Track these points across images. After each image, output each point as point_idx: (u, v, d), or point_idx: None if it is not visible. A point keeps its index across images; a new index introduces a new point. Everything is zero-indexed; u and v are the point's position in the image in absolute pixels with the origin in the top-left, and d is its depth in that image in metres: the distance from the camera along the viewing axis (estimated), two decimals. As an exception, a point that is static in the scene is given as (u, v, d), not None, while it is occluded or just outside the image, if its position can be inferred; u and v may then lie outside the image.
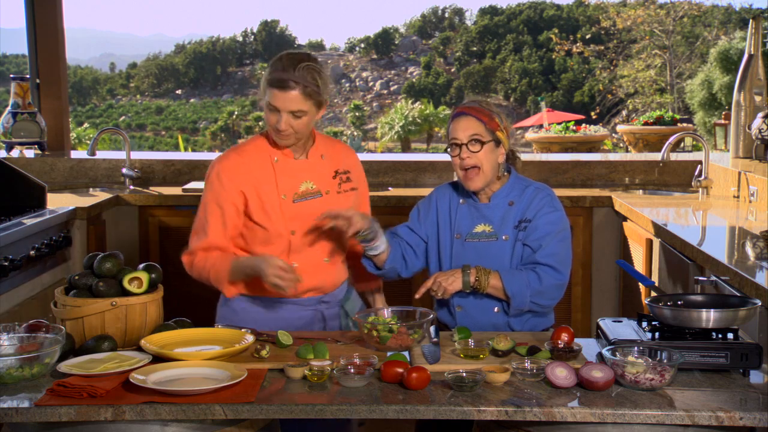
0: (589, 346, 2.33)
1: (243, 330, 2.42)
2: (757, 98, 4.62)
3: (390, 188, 5.03)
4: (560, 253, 2.68)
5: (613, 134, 22.19)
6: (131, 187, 5.06)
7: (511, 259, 2.70)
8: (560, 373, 2.04)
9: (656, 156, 5.32)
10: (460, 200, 2.81)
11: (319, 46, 66.09)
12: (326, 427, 2.64)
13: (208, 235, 2.68)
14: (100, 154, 5.47)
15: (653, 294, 2.48)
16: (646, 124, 13.26)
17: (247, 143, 2.77)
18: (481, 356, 2.24)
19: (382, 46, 59.86)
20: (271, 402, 1.96)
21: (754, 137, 4.35)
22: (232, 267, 2.64)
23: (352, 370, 2.07)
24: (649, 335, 2.28)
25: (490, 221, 2.74)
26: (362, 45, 61.61)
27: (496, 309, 2.69)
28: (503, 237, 2.71)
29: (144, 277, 2.40)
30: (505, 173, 2.79)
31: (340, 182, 2.79)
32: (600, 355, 2.21)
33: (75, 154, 5.54)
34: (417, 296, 2.61)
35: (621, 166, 5.21)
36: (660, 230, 3.64)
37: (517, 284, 2.62)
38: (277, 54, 2.70)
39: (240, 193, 2.68)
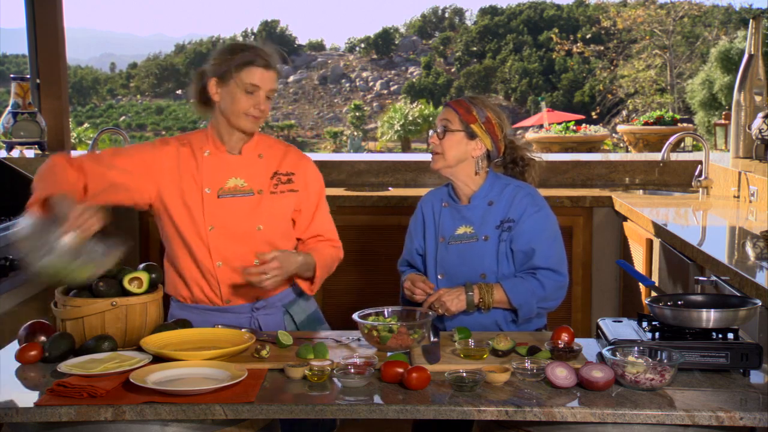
0: (589, 346, 2.33)
1: (243, 330, 2.42)
2: (757, 98, 4.62)
3: (390, 188, 5.03)
4: (555, 254, 2.69)
5: (614, 134, 22.21)
6: (131, 187, 5.05)
7: (496, 260, 2.69)
8: (560, 373, 2.04)
9: (656, 156, 5.32)
10: (443, 203, 2.82)
11: (319, 46, 66.03)
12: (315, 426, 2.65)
13: (109, 156, 2.60)
14: (101, 154, 5.46)
15: (653, 294, 2.48)
16: (646, 124, 13.28)
17: (190, 134, 2.72)
18: (483, 356, 2.24)
19: (382, 46, 59.83)
20: (271, 402, 1.96)
21: (754, 137, 4.35)
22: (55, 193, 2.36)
23: (352, 370, 2.07)
24: (649, 335, 2.28)
25: (470, 222, 2.74)
26: (362, 45, 61.56)
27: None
28: (483, 237, 2.71)
29: (144, 277, 2.40)
30: (483, 171, 2.77)
31: (277, 183, 2.69)
32: (600, 355, 2.21)
33: (75, 155, 5.53)
34: (422, 311, 2.58)
35: (621, 166, 5.22)
36: (660, 230, 3.64)
37: (522, 295, 2.63)
38: (227, 46, 2.63)
39: (153, 187, 2.61)
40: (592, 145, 13.16)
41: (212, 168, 2.64)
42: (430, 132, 2.79)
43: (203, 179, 2.62)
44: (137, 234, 4.74)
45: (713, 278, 2.83)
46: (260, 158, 2.69)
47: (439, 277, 2.76)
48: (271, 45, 2.65)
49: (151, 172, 2.61)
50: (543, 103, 22.97)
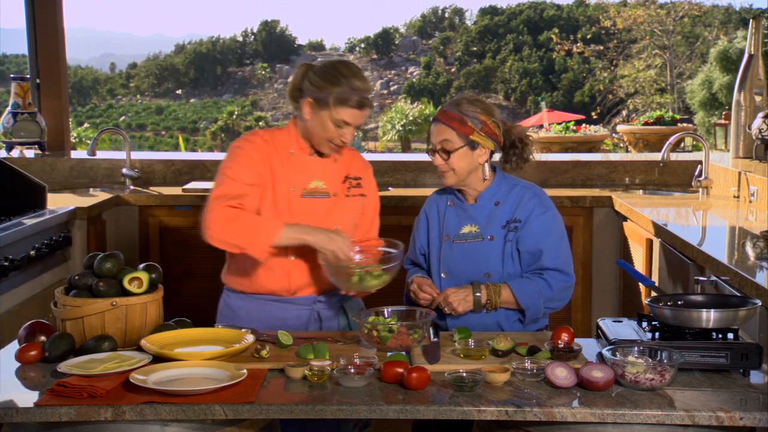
0: (589, 346, 2.33)
1: (243, 330, 2.42)
2: (757, 98, 4.63)
3: (390, 188, 5.03)
4: (563, 255, 2.70)
5: (614, 134, 22.17)
6: (131, 187, 5.06)
7: (501, 260, 2.70)
8: (560, 373, 2.04)
9: (656, 156, 5.32)
10: (448, 202, 2.82)
11: (319, 46, 66.03)
12: (324, 427, 2.65)
13: (236, 180, 2.64)
14: (100, 154, 5.47)
15: (653, 294, 2.48)
16: (646, 124, 13.27)
17: (276, 130, 2.80)
18: (483, 356, 2.24)
19: (382, 46, 59.85)
20: (271, 402, 1.96)
21: (754, 137, 4.35)
22: (285, 228, 2.57)
23: (352, 370, 2.07)
24: (649, 335, 2.28)
25: (476, 221, 2.75)
26: (362, 45, 61.60)
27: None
28: (488, 237, 2.71)
29: (144, 277, 2.40)
30: (491, 172, 2.77)
31: (349, 186, 2.80)
32: (600, 355, 2.21)
33: (75, 154, 5.54)
34: (423, 311, 2.57)
35: (621, 166, 5.22)
36: (660, 230, 3.64)
37: (529, 296, 2.64)
38: (332, 72, 2.67)
39: (258, 172, 2.69)
40: (592, 145, 13.13)
41: (297, 168, 2.74)
42: (431, 155, 2.73)
43: (289, 177, 2.72)
44: (137, 234, 4.73)
45: (713, 278, 2.83)
46: (335, 162, 2.79)
47: (442, 275, 2.76)
48: (365, 79, 2.70)
49: (259, 176, 2.69)
50: (543, 103, 22.95)
